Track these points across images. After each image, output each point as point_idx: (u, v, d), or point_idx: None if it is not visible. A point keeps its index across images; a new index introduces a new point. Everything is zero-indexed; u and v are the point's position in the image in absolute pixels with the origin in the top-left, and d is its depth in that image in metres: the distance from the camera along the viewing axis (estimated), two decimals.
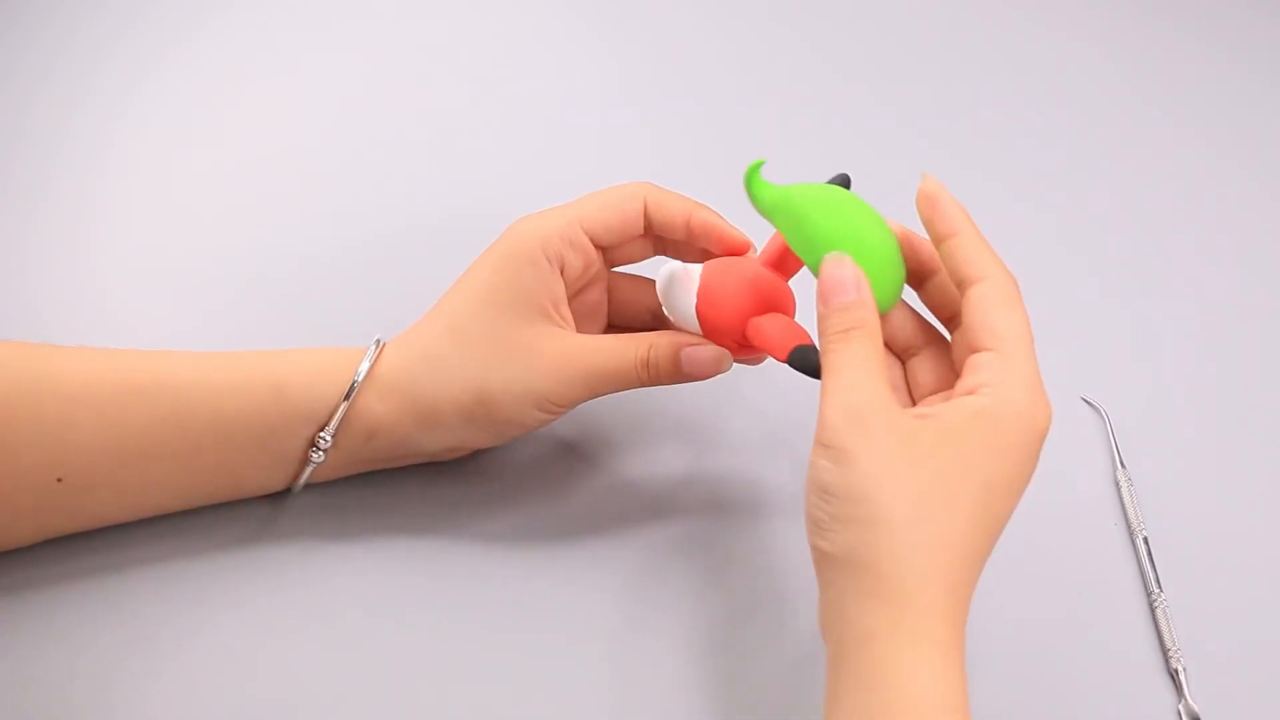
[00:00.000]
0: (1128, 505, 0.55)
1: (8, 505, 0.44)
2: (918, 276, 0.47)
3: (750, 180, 0.46)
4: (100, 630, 0.46)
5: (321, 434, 0.46)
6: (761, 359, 0.50)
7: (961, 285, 0.43)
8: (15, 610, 0.46)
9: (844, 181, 0.47)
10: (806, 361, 0.44)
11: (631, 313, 0.53)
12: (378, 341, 0.48)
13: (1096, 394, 0.59)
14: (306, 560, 0.49)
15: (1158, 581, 0.51)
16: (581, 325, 0.51)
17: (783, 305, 0.47)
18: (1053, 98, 0.77)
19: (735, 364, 0.48)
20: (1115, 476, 0.56)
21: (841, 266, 0.43)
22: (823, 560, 0.40)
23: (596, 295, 0.51)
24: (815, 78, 0.76)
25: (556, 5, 0.80)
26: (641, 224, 0.49)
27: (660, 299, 0.48)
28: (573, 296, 0.49)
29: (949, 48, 0.80)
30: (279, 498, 0.50)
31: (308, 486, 0.49)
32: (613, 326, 0.53)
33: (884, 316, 0.45)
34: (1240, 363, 0.62)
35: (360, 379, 0.46)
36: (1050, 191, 0.71)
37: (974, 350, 0.42)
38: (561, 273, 0.48)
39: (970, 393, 0.41)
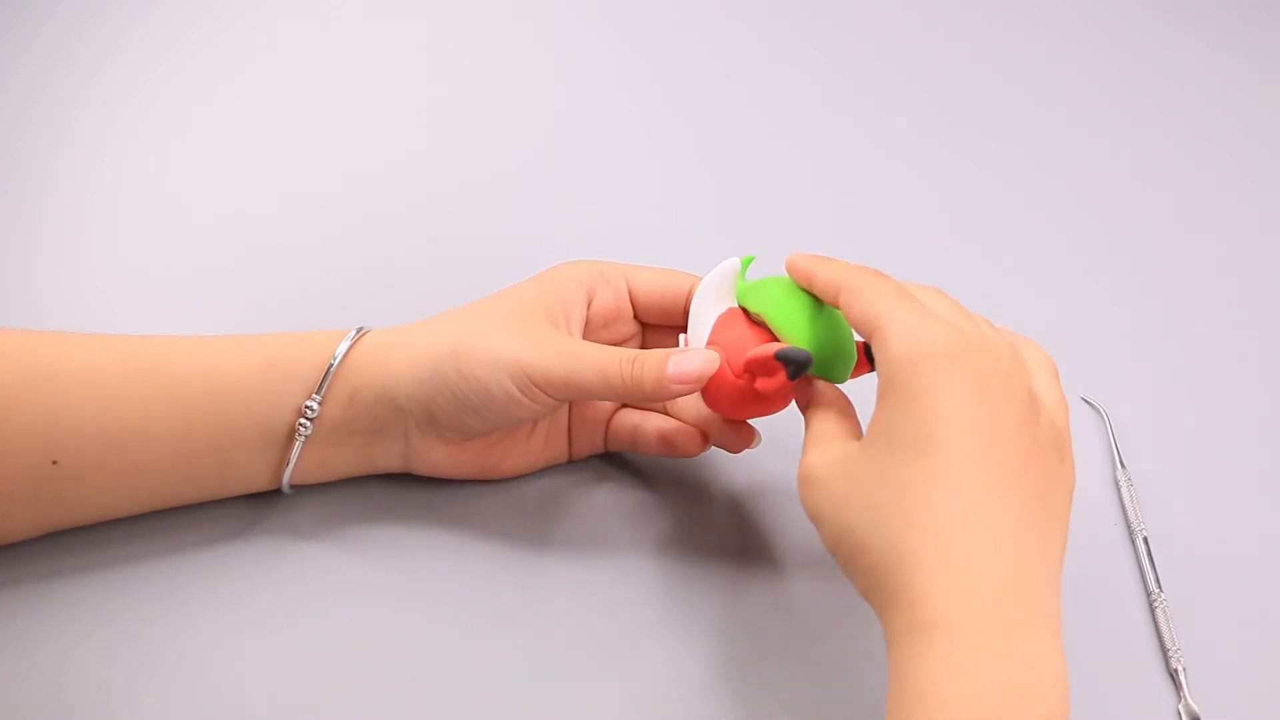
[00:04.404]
0: (1128, 505, 0.55)
1: (3, 489, 0.44)
2: None
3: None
4: (94, 626, 0.46)
5: (309, 402, 0.47)
6: (751, 440, 0.50)
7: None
8: (9, 607, 0.46)
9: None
10: (787, 357, 0.44)
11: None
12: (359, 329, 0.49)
13: (1096, 394, 0.59)
14: (302, 559, 0.49)
15: (1158, 581, 0.51)
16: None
17: None
18: (1054, 99, 0.77)
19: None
20: (1115, 476, 0.56)
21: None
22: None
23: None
24: (817, 78, 0.76)
25: (558, 5, 0.80)
26: (684, 305, 0.50)
27: (691, 300, 0.49)
28: (597, 336, 0.50)
29: (950, 48, 0.80)
30: (271, 497, 0.50)
31: (300, 489, 0.50)
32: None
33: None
34: (1240, 363, 0.62)
35: (355, 335, 0.47)
36: (1050, 191, 0.71)
37: None
38: (589, 306, 0.50)
39: None
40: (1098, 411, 0.59)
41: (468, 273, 0.57)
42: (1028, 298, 0.64)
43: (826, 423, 0.44)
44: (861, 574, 0.40)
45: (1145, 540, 0.53)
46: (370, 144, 0.69)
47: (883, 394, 0.41)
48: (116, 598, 0.47)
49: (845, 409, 0.45)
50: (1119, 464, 0.56)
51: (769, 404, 0.47)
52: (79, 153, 0.65)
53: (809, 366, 0.45)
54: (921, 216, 0.69)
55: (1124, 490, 0.55)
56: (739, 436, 0.50)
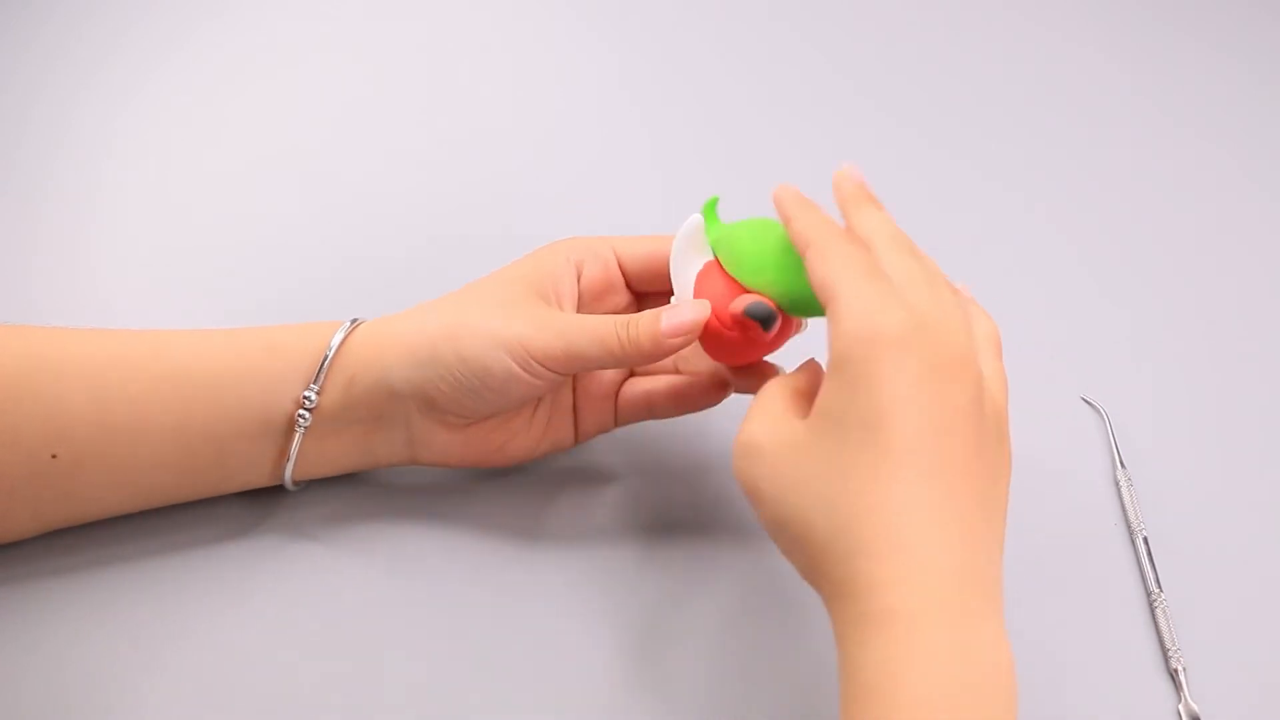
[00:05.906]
0: (1128, 505, 0.55)
1: (4, 485, 0.45)
2: None
3: (707, 216, 0.49)
4: (94, 626, 0.46)
5: (307, 392, 0.47)
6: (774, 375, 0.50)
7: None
8: (9, 606, 0.46)
9: None
10: (753, 313, 0.45)
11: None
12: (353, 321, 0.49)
13: (1096, 394, 0.59)
14: (303, 558, 0.49)
15: (1158, 581, 0.51)
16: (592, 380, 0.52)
17: None
18: (1053, 98, 0.77)
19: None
20: (1115, 476, 0.56)
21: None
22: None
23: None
24: (816, 78, 0.76)
25: (558, 5, 0.80)
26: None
27: (671, 255, 0.48)
28: (591, 309, 0.50)
29: (950, 48, 0.80)
30: (272, 495, 0.50)
31: (302, 487, 0.50)
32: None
33: None
34: (1240, 363, 0.62)
35: (349, 326, 0.47)
36: (1050, 191, 0.71)
37: None
38: (579, 279, 0.49)
39: None
40: (1098, 411, 0.59)
41: (468, 273, 0.57)
42: (1028, 298, 0.64)
43: (780, 388, 0.43)
44: (807, 560, 0.40)
45: (1145, 540, 0.53)
46: (370, 144, 0.69)
47: (832, 371, 0.40)
48: (116, 597, 0.47)
49: (808, 379, 0.44)
50: (1119, 464, 0.56)
51: (769, 346, 0.47)
52: (79, 153, 0.65)
53: (775, 317, 0.45)
54: (921, 216, 0.69)
55: (1124, 490, 0.55)
56: (758, 375, 0.49)
